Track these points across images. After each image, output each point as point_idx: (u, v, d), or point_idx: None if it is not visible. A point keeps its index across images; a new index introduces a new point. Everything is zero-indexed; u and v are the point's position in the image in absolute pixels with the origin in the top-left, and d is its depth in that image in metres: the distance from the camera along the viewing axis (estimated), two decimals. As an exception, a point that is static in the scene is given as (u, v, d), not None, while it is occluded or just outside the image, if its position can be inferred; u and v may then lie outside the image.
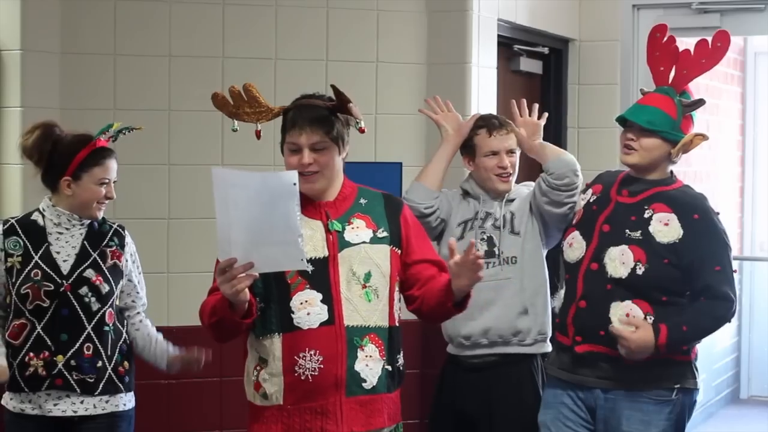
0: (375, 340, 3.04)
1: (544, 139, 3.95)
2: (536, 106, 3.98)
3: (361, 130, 3.08)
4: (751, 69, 8.49)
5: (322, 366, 2.98)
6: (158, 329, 3.78)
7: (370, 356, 3.03)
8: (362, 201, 3.15)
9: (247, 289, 2.89)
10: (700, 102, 3.65)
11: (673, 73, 3.67)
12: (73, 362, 3.54)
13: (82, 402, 3.57)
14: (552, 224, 3.87)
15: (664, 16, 5.69)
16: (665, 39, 3.71)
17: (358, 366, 3.01)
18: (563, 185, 3.78)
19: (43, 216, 3.61)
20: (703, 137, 3.62)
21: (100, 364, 3.58)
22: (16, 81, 4.32)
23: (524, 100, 3.97)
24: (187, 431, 4.63)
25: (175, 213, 4.62)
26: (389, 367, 3.07)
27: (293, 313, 3.00)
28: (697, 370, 3.64)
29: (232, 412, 4.62)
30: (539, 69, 5.77)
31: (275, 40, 4.75)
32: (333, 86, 3.03)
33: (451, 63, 4.92)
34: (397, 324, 3.11)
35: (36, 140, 3.58)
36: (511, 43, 5.47)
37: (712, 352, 7.73)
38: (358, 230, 3.09)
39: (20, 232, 3.59)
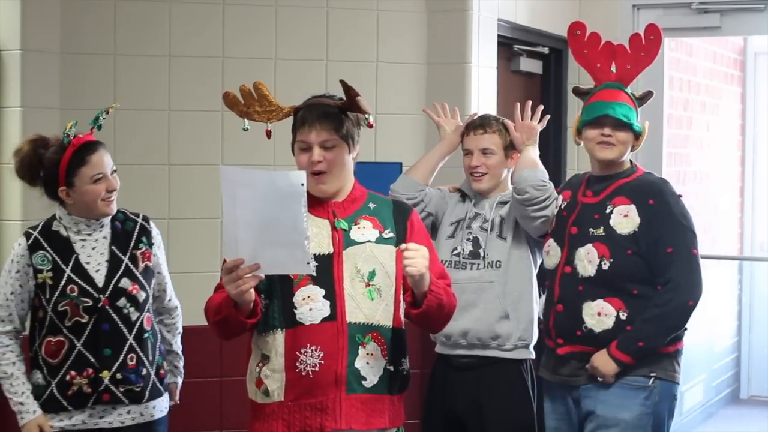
0: (377, 339, 3.03)
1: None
2: (539, 109, 3.98)
3: (370, 125, 3.10)
4: (751, 69, 8.48)
5: (322, 362, 2.98)
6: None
7: (372, 354, 3.01)
8: (371, 205, 3.15)
9: (252, 289, 2.89)
10: (650, 94, 3.76)
11: (614, 69, 3.72)
12: (119, 376, 3.46)
13: (128, 412, 3.51)
14: (533, 234, 3.86)
15: (664, 16, 5.69)
16: (587, 36, 3.76)
17: (359, 363, 3.00)
18: (524, 200, 3.76)
19: (63, 225, 3.50)
20: (647, 125, 3.74)
21: (144, 372, 3.52)
22: (16, 81, 4.31)
23: (529, 102, 3.98)
24: (187, 431, 4.63)
25: (175, 213, 4.61)
26: (391, 368, 3.05)
27: (296, 308, 3.00)
28: (678, 365, 3.67)
29: (232, 412, 4.62)
30: (539, 69, 5.77)
31: (275, 40, 4.75)
32: (342, 81, 3.04)
33: (451, 63, 4.92)
34: (401, 326, 3.10)
35: (23, 160, 3.46)
36: (511, 43, 5.48)
37: (712, 352, 7.73)
38: (364, 230, 3.09)
39: (45, 245, 3.47)
